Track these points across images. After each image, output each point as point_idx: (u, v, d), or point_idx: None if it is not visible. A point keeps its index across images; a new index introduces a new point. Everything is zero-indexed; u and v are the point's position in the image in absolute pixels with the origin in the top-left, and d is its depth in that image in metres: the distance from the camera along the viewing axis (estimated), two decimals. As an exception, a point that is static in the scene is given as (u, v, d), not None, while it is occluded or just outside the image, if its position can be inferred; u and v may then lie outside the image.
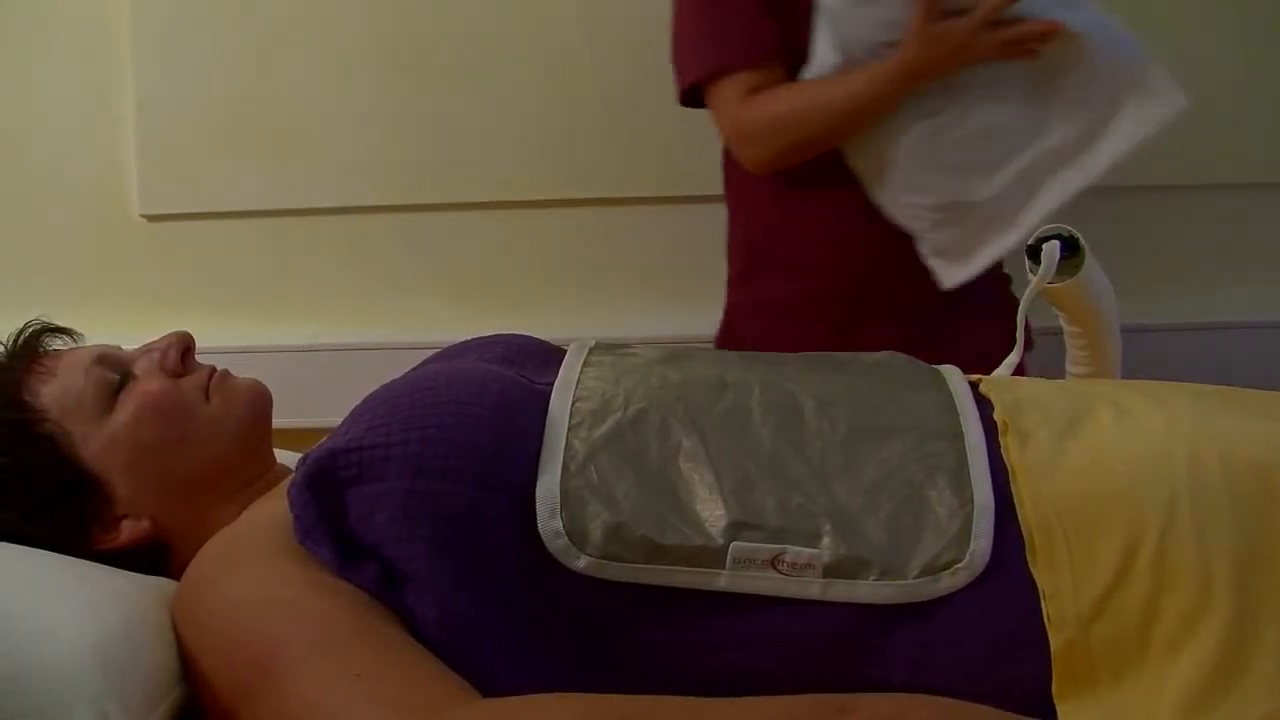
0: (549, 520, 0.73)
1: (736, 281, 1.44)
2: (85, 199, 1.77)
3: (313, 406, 1.36)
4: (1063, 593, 0.69)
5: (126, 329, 1.24)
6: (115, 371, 0.88)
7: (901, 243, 1.29)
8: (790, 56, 1.29)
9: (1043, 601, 0.69)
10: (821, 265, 1.36)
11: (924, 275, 1.28)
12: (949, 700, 0.63)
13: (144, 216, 1.77)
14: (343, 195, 1.75)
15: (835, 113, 1.24)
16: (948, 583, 0.70)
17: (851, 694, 0.64)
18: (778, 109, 1.27)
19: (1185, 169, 1.65)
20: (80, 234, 1.78)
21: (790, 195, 1.35)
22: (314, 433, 1.23)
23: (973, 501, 0.73)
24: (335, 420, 1.22)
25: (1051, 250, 0.94)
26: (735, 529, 0.72)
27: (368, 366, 1.69)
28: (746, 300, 1.43)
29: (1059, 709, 0.68)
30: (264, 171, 1.74)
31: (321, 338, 1.76)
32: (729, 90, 1.30)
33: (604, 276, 1.74)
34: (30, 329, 0.93)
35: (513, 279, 1.75)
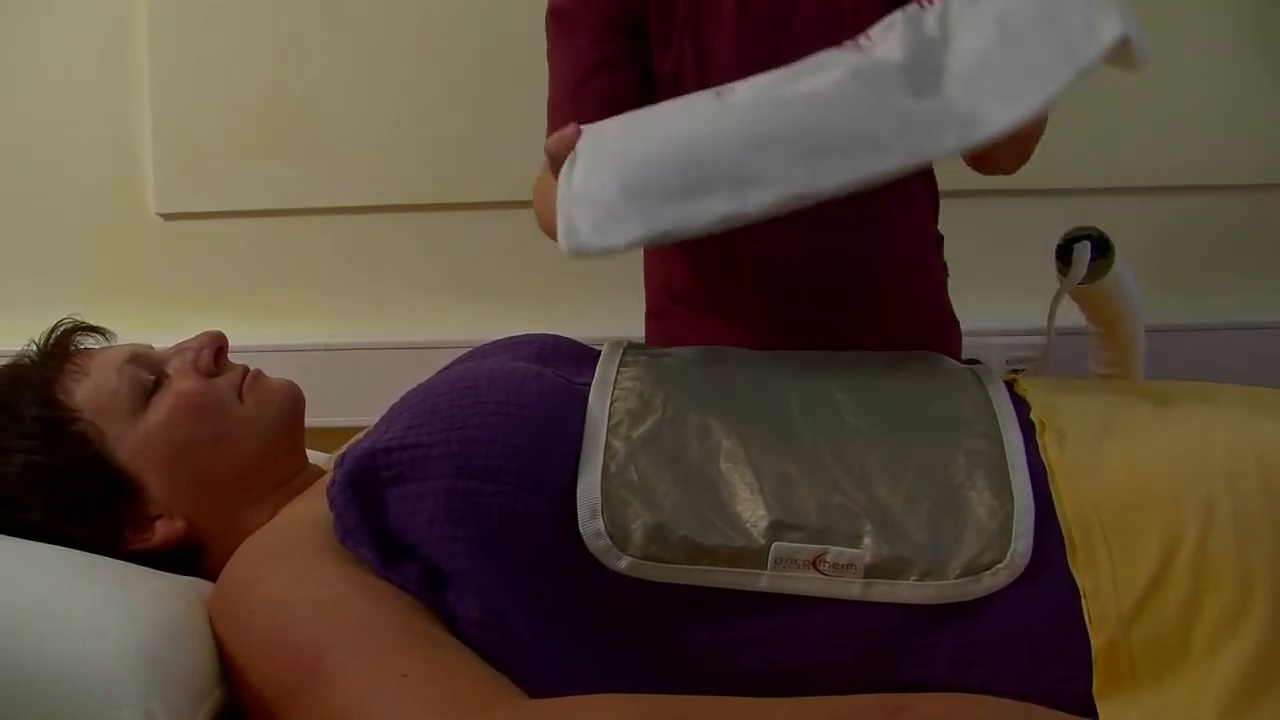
0: (590, 521, 0.73)
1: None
2: (101, 197, 1.76)
3: (328, 406, 1.35)
4: (1103, 592, 0.69)
5: (142, 327, 1.24)
6: (149, 371, 0.88)
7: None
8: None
9: (1084, 600, 0.70)
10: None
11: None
12: (1004, 700, 0.63)
13: (160, 215, 1.76)
14: (359, 194, 1.74)
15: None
16: (989, 583, 0.71)
17: (906, 693, 0.64)
18: (537, 198, 1.12)
19: (1208, 169, 1.65)
20: (96, 232, 1.77)
21: None
22: (329, 432, 1.23)
23: (1013, 501, 0.73)
24: (351, 419, 1.22)
25: (1083, 251, 0.94)
26: (776, 529, 0.72)
27: (383, 366, 1.71)
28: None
29: (1099, 708, 0.68)
30: (280, 170, 1.73)
31: (337, 337, 1.75)
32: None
33: (619, 276, 1.73)
34: (62, 327, 0.92)
35: (529, 278, 1.75)
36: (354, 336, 1.75)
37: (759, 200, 0.73)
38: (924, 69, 0.76)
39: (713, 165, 0.74)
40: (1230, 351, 1.59)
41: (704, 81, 1.14)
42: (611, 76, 1.14)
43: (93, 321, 0.96)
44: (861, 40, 0.83)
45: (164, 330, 1.10)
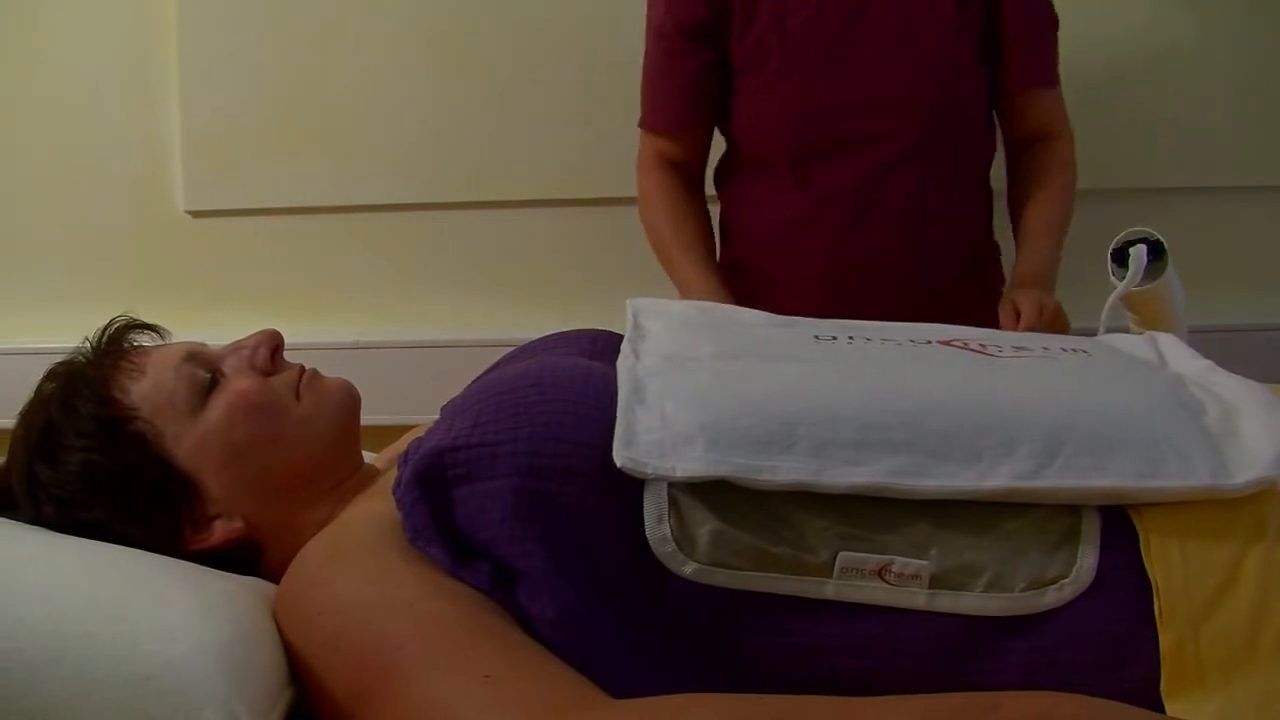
0: (656, 526, 0.72)
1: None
2: (130, 194, 1.76)
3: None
4: (1175, 588, 0.69)
5: (170, 325, 1.23)
6: (205, 369, 0.87)
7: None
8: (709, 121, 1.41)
9: (1155, 597, 0.69)
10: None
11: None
12: (1094, 699, 0.63)
13: (188, 212, 1.76)
14: (386, 192, 1.75)
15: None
16: (1053, 598, 0.70)
17: (997, 691, 0.64)
18: (645, 211, 1.46)
19: (1243, 171, 1.64)
20: (125, 229, 1.77)
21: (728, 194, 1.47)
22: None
23: (1080, 515, 0.73)
24: (381, 418, 1.21)
25: (1139, 254, 0.94)
26: (842, 538, 0.72)
27: (413, 364, 1.70)
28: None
29: (1167, 706, 0.67)
30: (308, 168, 1.73)
31: (366, 335, 1.75)
32: (645, 143, 1.46)
33: (649, 274, 1.73)
34: (116, 324, 0.92)
35: (557, 276, 1.75)
36: (383, 334, 1.75)
37: (836, 478, 0.72)
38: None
39: (805, 426, 0.73)
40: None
41: (784, 58, 1.31)
42: (690, 77, 1.35)
43: (121, 319, 0.95)
44: (987, 347, 0.86)
45: (191, 328, 1.09)
